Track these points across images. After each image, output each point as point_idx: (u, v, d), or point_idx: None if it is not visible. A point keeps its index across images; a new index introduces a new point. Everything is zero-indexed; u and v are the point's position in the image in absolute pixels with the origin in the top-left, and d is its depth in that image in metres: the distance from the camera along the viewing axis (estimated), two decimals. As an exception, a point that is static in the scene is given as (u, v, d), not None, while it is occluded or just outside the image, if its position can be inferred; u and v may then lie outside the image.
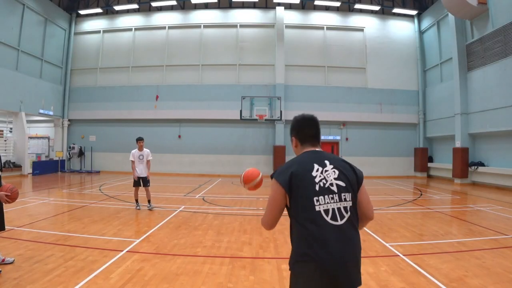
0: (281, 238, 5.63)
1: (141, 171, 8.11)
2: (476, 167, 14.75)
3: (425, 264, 4.34)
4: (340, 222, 1.70)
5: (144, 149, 8.20)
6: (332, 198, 1.73)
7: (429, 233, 6.09)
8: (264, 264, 4.37)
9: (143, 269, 4.08)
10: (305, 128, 1.95)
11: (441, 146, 18.25)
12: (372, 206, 1.91)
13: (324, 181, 1.75)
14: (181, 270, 4.09)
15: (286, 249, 5.05)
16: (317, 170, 1.78)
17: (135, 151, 8.15)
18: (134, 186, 8.25)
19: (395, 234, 5.94)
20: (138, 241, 5.33)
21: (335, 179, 1.77)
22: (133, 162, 8.10)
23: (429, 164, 18.79)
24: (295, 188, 1.74)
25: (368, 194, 1.89)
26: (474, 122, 15.05)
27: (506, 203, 9.77)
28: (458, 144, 15.53)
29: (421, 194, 11.90)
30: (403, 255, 4.72)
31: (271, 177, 1.83)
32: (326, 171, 1.78)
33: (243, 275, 3.95)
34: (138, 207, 8.12)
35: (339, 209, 1.72)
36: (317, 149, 1.92)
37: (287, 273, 4.00)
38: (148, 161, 8.19)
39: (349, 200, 1.75)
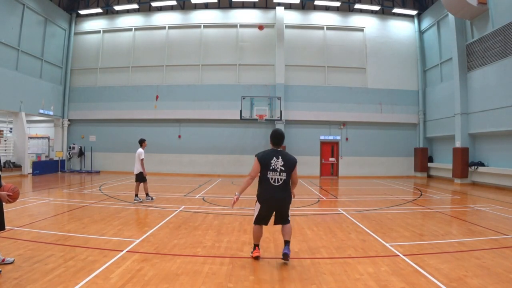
0: (281, 238, 5.62)
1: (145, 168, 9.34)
2: (476, 167, 14.75)
3: (425, 264, 4.34)
4: (277, 184, 4.33)
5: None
6: (276, 173, 4.32)
7: (429, 233, 6.09)
8: (264, 264, 4.37)
9: (143, 269, 4.08)
10: (274, 138, 4.54)
11: (441, 146, 18.25)
12: (297, 179, 4.59)
13: (275, 165, 4.33)
14: (181, 270, 4.09)
15: (286, 249, 5.05)
16: (274, 160, 4.35)
17: (143, 151, 9.26)
18: (142, 181, 9.26)
19: (395, 234, 5.94)
20: (138, 241, 5.33)
21: (281, 165, 4.33)
22: (143, 160, 9.16)
23: (429, 164, 18.79)
24: (263, 165, 4.34)
25: (296, 173, 4.49)
26: (474, 122, 15.05)
27: (506, 203, 9.77)
28: (458, 144, 15.53)
29: (421, 194, 11.90)
30: (403, 255, 4.72)
31: (256, 156, 4.42)
32: (277, 160, 4.34)
33: (243, 275, 3.95)
34: (142, 199, 9.12)
35: (279, 179, 4.33)
36: (278, 149, 4.49)
37: (287, 273, 4.02)
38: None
39: (284, 176, 4.32)
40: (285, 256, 4.24)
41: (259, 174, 4.37)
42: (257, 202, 4.42)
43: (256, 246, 4.52)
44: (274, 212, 4.44)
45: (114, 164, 19.48)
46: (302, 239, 5.59)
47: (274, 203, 4.33)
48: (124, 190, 11.74)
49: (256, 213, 4.43)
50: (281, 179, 4.27)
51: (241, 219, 7.16)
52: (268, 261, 4.48)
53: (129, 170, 18.62)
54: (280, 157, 4.31)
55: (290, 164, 4.31)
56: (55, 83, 19.31)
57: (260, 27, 16.46)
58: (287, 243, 4.35)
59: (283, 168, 4.27)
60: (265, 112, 17.94)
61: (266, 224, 4.48)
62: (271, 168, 4.27)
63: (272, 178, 4.27)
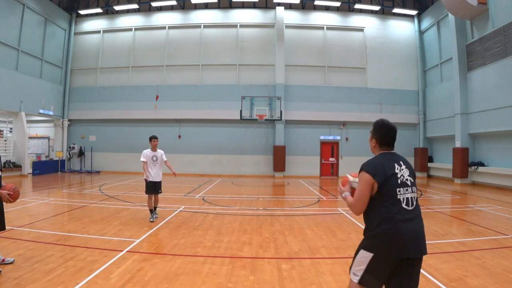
0: (281, 238, 5.63)
1: (155, 175, 6.98)
2: (476, 167, 14.75)
3: (425, 264, 4.32)
4: (411, 208, 2.37)
5: (158, 149, 7.19)
6: (407, 188, 2.37)
7: (429, 233, 6.09)
8: (264, 264, 4.37)
9: (143, 269, 4.08)
10: (387, 135, 2.56)
11: (441, 146, 18.25)
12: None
13: (402, 176, 2.39)
14: (181, 270, 4.09)
15: (286, 249, 5.05)
16: (397, 168, 2.42)
17: (147, 151, 7.04)
18: (147, 193, 6.97)
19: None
20: (138, 241, 5.33)
21: (408, 175, 2.43)
22: (145, 163, 6.96)
23: (429, 164, 18.79)
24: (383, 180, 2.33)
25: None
26: (474, 122, 15.05)
27: (506, 203, 9.77)
28: (458, 144, 15.53)
29: (421, 194, 11.90)
30: (403, 255, 4.71)
31: (363, 169, 2.40)
32: (402, 169, 2.44)
33: (243, 275, 3.95)
34: (153, 218, 6.90)
35: (412, 197, 2.38)
36: (392, 151, 2.57)
37: (287, 273, 4.02)
38: (165, 162, 7.22)
39: (415, 192, 2.43)
40: None
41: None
42: (365, 249, 2.38)
43: None
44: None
45: (114, 164, 19.48)
46: (302, 239, 5.59)
47: (412, 245, 2.29)
48: (124, 190, 11.74)
49: (364, 268, 2.36)
50: (414, 198, 2.38)
51: (241, 219, 7.17)
52: (268, 261, 4.48)
53: (129, 170, 18.73)
54: (401, 163, 2.48)
55: (413, 170, 2.54)
56: (55, 83, 19.31)
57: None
58: None
59: (412, 180, 2.42)
60: (265, 112, 17.93)
61: None
62: (399, 182, 2.35)
63: (403, 199, 2.32)
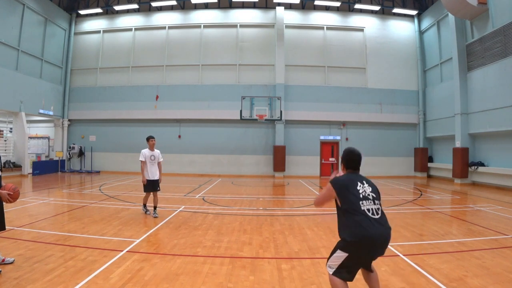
0: (281, 238, 5.63)
1: (153, 174, 7.29)
2: (476, 167, 14.75)
3: (425, 264, 4.34)
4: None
5: (155, 149, 7.48)
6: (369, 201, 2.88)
7: (429, 233, 6.09)
8: (264, 264, 4.37)
9: (143, 269, 4.08)
10: (352, 161, 3.12)
11: (441, 146, 18.25)
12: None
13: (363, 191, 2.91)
14: (181, 270, 4.09)
15: (286, 249, 5.05)
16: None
17: (146, 151, 7.32)
18: (146, 191, 7.36)
19: (395, 234, 5.93)
20: (138, 241, 5.33)
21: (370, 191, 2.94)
22: (143, 163, 7.24)
23: (429, 164, 18.79)
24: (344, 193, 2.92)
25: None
26: (474, 122, 15.05)
27: (506, 203, 9.77)
28: (458, 144, 15.53)
29: (421, 194, 11.90)
30: (403, 255, 4.72)
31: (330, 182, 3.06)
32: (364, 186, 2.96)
33: (243, 275, 3.95)
34: (147, 212, 7.48)
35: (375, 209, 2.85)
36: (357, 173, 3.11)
37: (287, 273, 4.02)
38: (159, 163, 7.45)
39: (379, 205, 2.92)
40: None
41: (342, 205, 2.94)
42: (341, 250, 2.85)
43: None
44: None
45: (114, 164, 19.48)
46: (302, 239, 5.58)
47: (379, 245, 2.80)
48: (124, 190, 11.74)
49: (338, 263, 2.85)
50: (378, 209, 2.87)
51: (241, 219, 7.17)
52: (268, 261, 4.47)
53: (129, 170, 18.73)
54: (364, 182, 3.01)
55: (377, 189, 3.08)
56: (55, 83, 19.31)
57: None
58: None
59: (375, 195, 2.94)
60: (265, 112, 17.93)
61: (352, 279, 2.89)
62: (361, 196, 2.87)
63: (368, 209, 2.82)
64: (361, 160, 3.14)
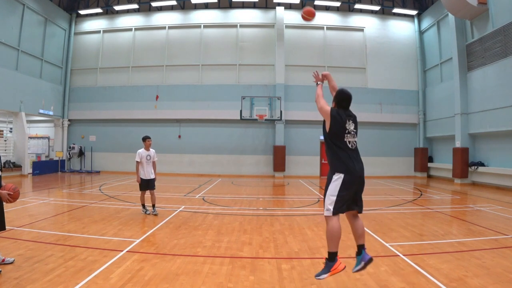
0: (281, 238, 5.63)
1: (149, 173, 7.54)
2: (476, 167, 14.75)
3: (425, 264, 4.34)
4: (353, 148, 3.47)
5: (151, 149, 7.70)
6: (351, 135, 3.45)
7: (429, 233, 6.09)
8: (264, 264, 4.37)
9: (143, 269, 4.08)
10: (344, 100, 3.60)
11: (441, 146, 18.25)
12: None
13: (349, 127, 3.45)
14: (181, 270, 4.09)
15: (286, 249, 5.05)
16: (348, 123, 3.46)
17: (142, 151, 7.54)
18: (141, 190, 7.59)
19: (395, 234, 5.94)
20: (138, 241, 5.33)
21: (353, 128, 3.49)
22: (139, 163, 7.49)
23: (429, 164, 18.79)
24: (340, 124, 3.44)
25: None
26: (474, 122, 15.05)
27: (506, 203, 9.77)
28: (458, 144, 15.53)
29: (421, 194, 11.90)
30: (403, 255, 4.72)
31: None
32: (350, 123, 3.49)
33: (243, 275, 3.95)
34: (146, 212, 7.56)
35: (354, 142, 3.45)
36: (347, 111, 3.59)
37: (287, 273, 4.02)
38: (154, 162, 7.69)
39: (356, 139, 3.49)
40: (370, 261, 3.38)
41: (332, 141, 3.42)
42: (338, 172, 3.30)
43: (334, 255, 3.27)
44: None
45: (114, 164, 19.48)
46: (302, 239, 5.59)
47: (360, 171, 3.38)
48: (124, 190, 11.74)
49: (336, 194, 3.25)
50: (355, 142, 3.47)
51: (241, 219, 7.17)
52: (268, 261, 4.47)
53: (129, 170, 18.70)
54: (351, 120, 3.52)
55: (357, 126, 3.59)
56: (55, 83, 19.31)
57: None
58: (363, 247, 3.44)
59: (355, 131, 3.50)
60: (265, 112, 17.94)
61: (348, 210, 3.40)
62: (346, 131, 3.41)
63: (348, 142, 3.39)
64: (351, 99, 3.61)
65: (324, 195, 3.36)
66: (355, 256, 3.48)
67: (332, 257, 3.25)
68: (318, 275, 3.33)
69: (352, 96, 3.59)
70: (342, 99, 3.55)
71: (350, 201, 3.35)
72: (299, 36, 19.61)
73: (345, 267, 3.31)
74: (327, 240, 3.29)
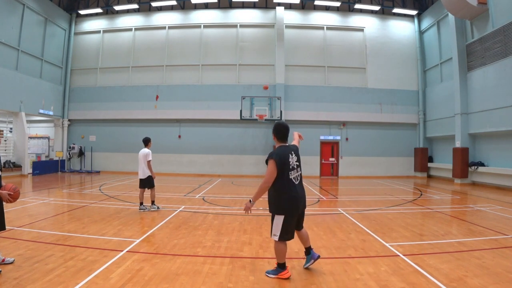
0: (281, 238, 5.62)
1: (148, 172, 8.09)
2: (476, 167, 14.74)
3: (425, 264, 4.34)
4: (297, 182, 3.84)
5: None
6: (295, 170, 3.79)
7: (429, 233, 6.09)
8: (264, 264, 4.37)
9: (143, 269, 4.08)
10: (281, 133, 3.90)
11: (441, 146, 18.25)
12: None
13: (292, 163, 3.78)
14: (181, 270, 4.09)
15: (286, 249, 5.04)
16: (290, 158, 3.77)
17: (150, 151, 8.05)
18: (152, 187, 8.08)
19: (395, 234, 5.94)
20: (138, 241, 5.33)
21: (295, 161, 3.84)
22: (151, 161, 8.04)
23: (429, 164, 18.79)
24: (283, 166, 3.69)
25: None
26: (474, 122, 15.05)
27: (506, 203, 9.77)
28: (458, 144, 15.53)
29: (421, 194, 11.90)
30: (403, 255, 4.72)
31: (271, 158, 3.68)
32: (292, 157, 3.80)
33: (243, 275, 3.95)
34: (146, 209, 7.92)
35: (298, 176, 3.84)
36: (286, 144, 3.91)
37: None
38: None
39: (300, 171, 3.86)
40: (318, 258, 4.14)
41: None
42: (278, 214, 3.74)
43: (283, 264, 3.87)
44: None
45: (114, 164, 19.48)
46: (302, 239, 5.58)
47: (302, 204, 3.85)
48: (124, 190, 11.74)
49: (280, 228, 3.72)
50: (299, 176, 3.87)
51: (241, 219, 7.17)
52: (268, 261, 4.47)
53: (129, 170, 18.73)
54: (292, 152, 3.84)
55: (299, 155, 3.97)
56: (55, 83, 19.31)
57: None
58: (311, 248, 4.17)
59: (298, 163, 3.89)
60: (265, 112, 17.94)
61: (293, 237, 3.90)
62: (290, 167, 3.75)
63: (294, 178, 3.77)
64: (289, 131, 3.89)
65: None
66: (304, 255, 4.17)
67: (282, 266, 3.84)
68: (268, 272, 3.93)
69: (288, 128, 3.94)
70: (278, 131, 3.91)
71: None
72: (299, 36, 19.61)
73: (289, 276, 3.82)
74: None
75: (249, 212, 4.02)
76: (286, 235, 3.73)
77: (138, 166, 8.03)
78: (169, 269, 4.11)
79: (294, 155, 3.81)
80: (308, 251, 4.13)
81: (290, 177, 3.70)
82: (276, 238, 3.72)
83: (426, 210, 8.72)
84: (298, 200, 3.73)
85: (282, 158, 3.67)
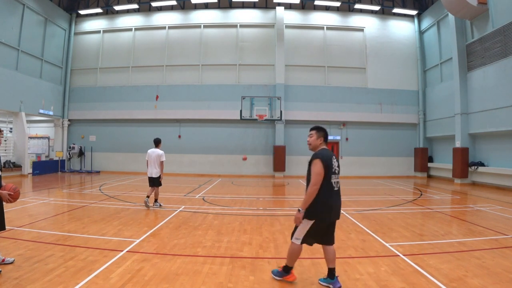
0: (281, 238, 5.63)
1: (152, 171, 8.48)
2: (476, 167, 14.74)
3: (425, 264, 4.34)
4: (337, 189, 3.61)
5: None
6: (336, 176, 3.58)
7: (429, 233, 6.09)
8: (264, 264, 4.37)
9: (143, 269, 4.08)
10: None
11: (441, 146, 18.25)
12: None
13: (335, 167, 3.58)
14: (181, 270, 4.09)
15: (287, 249, 5.02)
16: (333, 160, 3.59)
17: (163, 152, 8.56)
18: (159, 185, 8.56)
19: (395, 234, 5.94)
20: (138, 241, 5.33)
21: (337, 166, 3.63)
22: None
23: (429, 164, 18.79)
24: (328, 168, 3.49)
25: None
26: (474, 122, 15.05)
27: (506, 203, 9.77)
28: (458, 144, 15.53)
29: (421, 194, 11.90)
30: (403, 255, 4.72)
31: (316, 157, 3.53)
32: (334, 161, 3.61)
33: (243, 275, 3.95)
34: (148, 205, 8.26)
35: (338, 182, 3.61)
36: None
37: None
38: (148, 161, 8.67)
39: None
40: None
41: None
42: (309, 219, 3.49)
43: (290, 268, 3.73)
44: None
45: (114, 164, 19.48)
46: (302, 239, 5.58)
47: (335, 212, 3.56)
48: (124, 190, 11.74)
49: (305, 232, 3.53)
50: (339, 182, 3.65)
51: (241, 219, 7.17)
52: (268, 261, 4.48)
53: (129, 170, 18.74)
54: (334, 157, 3.67)
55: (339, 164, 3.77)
56: (55, 83, 19.31)
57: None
58: (335, 273, 3.61)
59: (338, 169, 3.68)
60: (265, 112, 17.94)
61: (314, 243, 3.71)
62: (333, 170, 3.55)
63: (334, 183, 3.55)
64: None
65: None
66: (327, 277, 3.63)
67: (289, 269, 3.74)
68: (273, 272, 3.88)
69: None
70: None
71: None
72: (299, 36, 19.61)
73: (295, 279, 3.75)
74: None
75: (300, 222, 3.51)
76: (308, 238, 3.56)
77: (149, 165, 8.38)
78: (169, 269, 4.11)
79: (335, 159, 3.63)
80: (333, 274, 3.58)
81: (332, 180, 3.50)
82: (298, 242, 3.56)
83: (426, 210, 8.72)
84: (333, 208, 3.50)
85: (327, 159, 3.49)
